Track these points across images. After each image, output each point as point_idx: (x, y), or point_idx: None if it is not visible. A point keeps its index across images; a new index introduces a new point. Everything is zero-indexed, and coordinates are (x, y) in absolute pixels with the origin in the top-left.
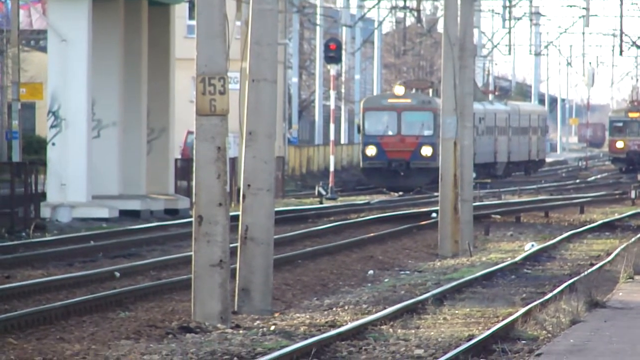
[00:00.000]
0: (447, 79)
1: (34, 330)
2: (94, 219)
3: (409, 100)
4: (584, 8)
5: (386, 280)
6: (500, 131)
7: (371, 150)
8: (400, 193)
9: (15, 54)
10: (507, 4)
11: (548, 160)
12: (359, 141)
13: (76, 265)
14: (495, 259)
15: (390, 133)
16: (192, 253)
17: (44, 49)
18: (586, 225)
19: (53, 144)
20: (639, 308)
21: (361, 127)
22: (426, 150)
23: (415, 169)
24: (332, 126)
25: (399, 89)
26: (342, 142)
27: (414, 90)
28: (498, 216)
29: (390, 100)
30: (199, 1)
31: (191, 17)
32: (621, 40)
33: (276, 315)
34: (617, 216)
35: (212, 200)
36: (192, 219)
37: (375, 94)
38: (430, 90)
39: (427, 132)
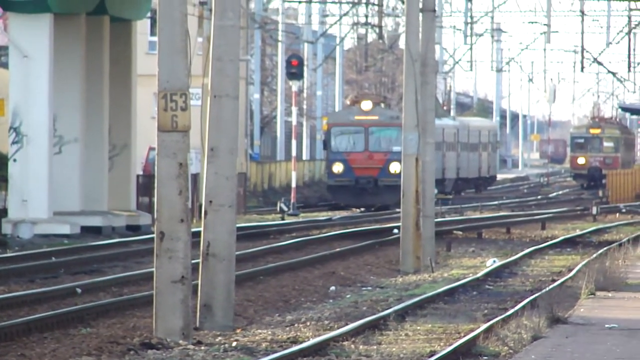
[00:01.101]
0: (409, 95)
1: None
2: (56, 235)
3: (376, 117)
4: (545, 24)
5: (348, 296)
6: (449, 147)
7: (338, 167)
8: (362, 209)
9: None
10: (469, 20)
11: (509, 176)
12: (321, 157)
13: (37, 281)
14: (457, 275)
15: (357, 149)
16: (154, 269)
17: (5, 65)
18: (548, 241)
19: (14, 160)
20: (600, 324)
21: (327, 143)
22: (395, 167)
23: (384, 186)
24: (294, 142)
25: (366, 104)
26: (304, 158)
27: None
28: (460, 232)
29: (357, 117)
30: (161, 17)
31: (153, 33)
32: (582, 57)
33: (238, 331)
34: (578, 232)
35: (174, 216)
36: (154, 235)
37: (337, 110)
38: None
39: (395, 149)
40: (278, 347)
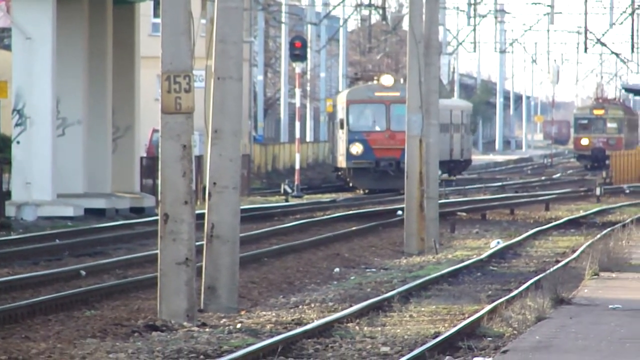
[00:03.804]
0: (413, 76)
1: None
2: (59, 218)
3: (398, 93)
4: (548, 5)
5: (352, 277)
6: None
7: (356, 148)
8: (366, 190)
9: None
10: (472, 1)
11: (513, 157)
12: (324, 139)
13: (41, 263)
14: (461, 256)
15: (378, 129)
16: (158, 251)
17: (8, 47)
18: (551, 222)
19: (18, 143)
20: (604, 305)
21: (344, 123)
22: None
23: None
24: (297, 124)
25: (387, 79)
26: (308, 139)
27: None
28: (464, 213)
29: (377, 93)
30: None
31: (156, 15)
32: (586, 38)
33: (242, 313)
34: (582, 213)
35: (178, 198)
36: (158, 217)
37: (340, 91)
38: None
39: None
40: (282, 329)
